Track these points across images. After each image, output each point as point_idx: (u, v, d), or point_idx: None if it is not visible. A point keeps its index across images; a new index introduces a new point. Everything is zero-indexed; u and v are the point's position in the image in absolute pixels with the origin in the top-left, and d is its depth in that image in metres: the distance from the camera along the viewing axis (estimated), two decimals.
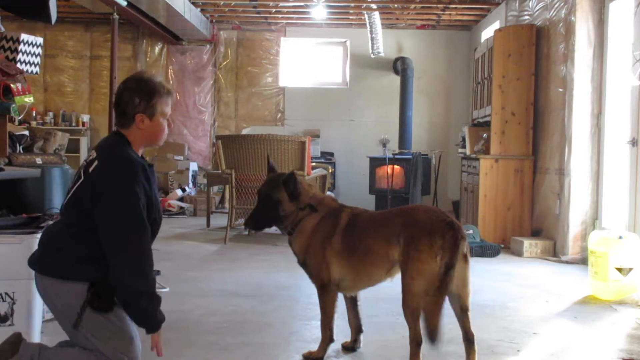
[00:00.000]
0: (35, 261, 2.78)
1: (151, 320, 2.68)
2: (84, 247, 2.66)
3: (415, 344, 3.09)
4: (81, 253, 2.66)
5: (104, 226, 2.63)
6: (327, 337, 3.42)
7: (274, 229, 8.87)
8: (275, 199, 3.37)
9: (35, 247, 3.41)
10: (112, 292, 2.66)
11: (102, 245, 2.63)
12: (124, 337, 2.67)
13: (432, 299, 2.99)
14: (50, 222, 3.94)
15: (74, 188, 2.73)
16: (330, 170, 9.10)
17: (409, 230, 3.12)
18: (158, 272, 5.25)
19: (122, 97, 2.80)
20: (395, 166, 10.34)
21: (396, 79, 11.31)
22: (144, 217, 2.66)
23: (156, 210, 2.75)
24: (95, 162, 2.71)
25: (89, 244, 2.66)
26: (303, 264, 3.44)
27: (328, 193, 8.79)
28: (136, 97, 2.76)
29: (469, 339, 3.16)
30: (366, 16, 10.29)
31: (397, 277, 3.21)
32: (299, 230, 3.40)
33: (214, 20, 11.54)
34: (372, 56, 10.96)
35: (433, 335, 2.98)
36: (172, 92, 2.94)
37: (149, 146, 2.91)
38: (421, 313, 3.03)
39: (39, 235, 3.41)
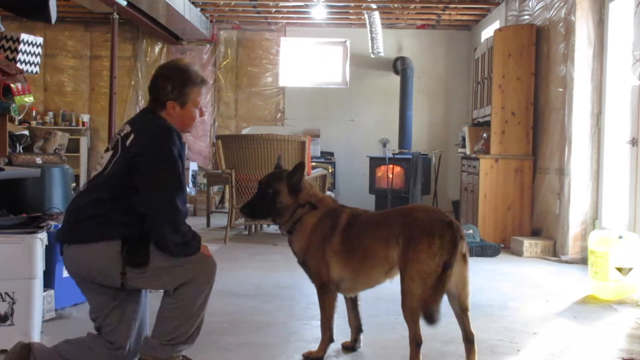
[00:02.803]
0: (63, 235, 2.84)
1: (191, 254, 2.84)
2: (116, 213, 2.75)
3: (415, 344, 3.09)
4: (113, 218, 2.74)
5: (147, 191, 2.73)
6: (327, 337, 3.42)
7: (274, 229, 8.88)
8: (274, 189, 3.38)
9: (35, 247, 3.42)
10: (146, 245, 2.76)
11: (138, 208, 2.73)
12: (169, 271, 2.80)
13: (430, 294, 2.97)
14: (51, 221, 3.94)
15: (112, 162, 2.79)
16: (330, 170, 9.09)
17: (408, 230, 3.11)
18: None
19: (156, 82, 2.88)
20: (395, 166, 10.34)
21: (396, 79, 11.31)
22: (182, 179, 2.78)
23: (183, 173, 2.85)
24: (132, 136, 2.79)
25: (121, 210, 2.75)
26: (303, 263, 3.44)
27: (328, 193, 8.80)
28: (169, 84, 2.84)
29: (469, 339, 3.16)
30: (366, 16, 10.29)
31: (398, 277, 3.21)
32: (299, 229, 3.39)
33: (214, 20, 11.53)
34: (372, 56, 10.96)
35: (431, 314, 2.96)
36: (207, 81, 2.98)
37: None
38: (420, 308, 3.01)
39: (39, 235, 3.43)
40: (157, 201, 2.73)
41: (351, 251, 3.29)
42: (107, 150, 2.89)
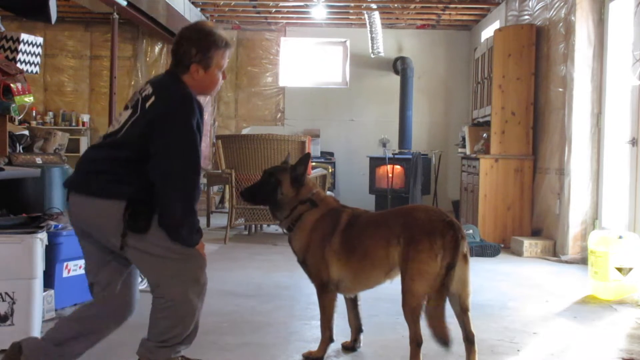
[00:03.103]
0: (72, 182, 2.84)
1: (189, 244, 2.79)
2: (126, 173, 2.73)
3: (415, 344, 3.08)
4: (123, 178, 2.73)
5: (160, 159, 2.69)
6: (327, 337, 3.42)
7: (274, 229, 8.84)
8: (277, 178, 3.39)
9: (35, 247, 3.42)
10: (150, 213, 2.72)
11: (149, 176, 2.70)
12: (162, 252, 2.76)
13: (434, 302, 2.97)
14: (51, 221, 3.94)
15: (129, 122, 2.77)
16: (330, 170, 9.09)
17: (409, 230, 3.11)
18: None
19: (180, 45, 2.85)
20: (395, 166, 10.34)
21: (396, 79, 11.31)
22: (199, 154, 2.74)
23: (200, 144, 2.81)
24: (152, 98, 2.76)
25: (132, 172, 2.72)
26: (302, 262, 3.43)
27: (328, 193, 8.80)
28: (193, 47, 2.81)
29: (469, 339, 3.16)
30: (366, 16, 10.30)
31: (397, 278, 3.21)
32: (299, 226, 3.39)
33: (214, 20, 11.53)
34: (372, 56, 10.96)
35: (445, 340, 2.98)
36: (231, 44, 2.95)
37: (200, 95, 2.91)
38: (425, 319, 2.99)
39: (39, 235, 3.43)
40: (169, 172, 2.69)
41: (351, 251, 3.29)
42: (126, 107, 2.85)
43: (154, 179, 2.70)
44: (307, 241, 3.36)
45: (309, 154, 3.57)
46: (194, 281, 2.82)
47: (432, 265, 3.00)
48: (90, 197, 2.74)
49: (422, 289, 3.02)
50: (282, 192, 3.38)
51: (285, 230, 3.47)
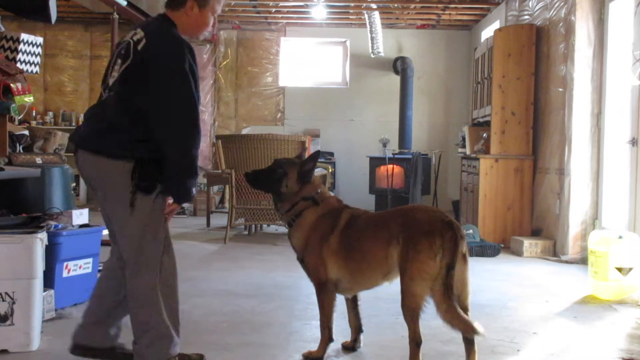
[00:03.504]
0: (81, 138, 2.86)
1: (185, 194, 2.84)
2: (136, 128, 2.74)
3: (414, 344, 3.08)
4: (133, 134, 2.74)
5: (156, 105, 2.71)
6: (326, 336, 3.42)
7: (274, 229, 8.83)
8: (285, 170, 3.39)
9: (35, 247, 3.42)
10: (157, 172, 2.76)
11: (150, 124, 2.71)
12: (148, 214, 2.82)
13: (444, 306, 2.96)
14: (51, 222, 3.94)
15: (123, 67, 2.78)
16: (330, 170, 9.10)
17: (408, 230, 3.11)
18: None
19: None
20: (395, 166, 10.34)
21: (396, 79, 11.31)
22: (195, 97, 2.75)
23: (196, 89, 2.82)
24: (144, 41, 2.77)
25: (140, 125, 2.73)
26: (301, 260, 3.44)
27: (331, 193, 8.79)
28: None
29: (469, 339, 3.16)
30: (366, 16, 10.30)
31: (396, 279, 3.20)
32: (298, 223, 3.39)
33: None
34: (372, 56, 10.97)
35: (473, 331, 2.98)
36: None
37: (189, 36, 2.93)
38: (445, 323, 2.99)
39: (39, 235, 3.43)
40: (164, 118, 2.71)
41: (349, 252, 3.29)
42: (120, 56, 2.83)
43: (151, 127, 2.72)
44: (306, 239, 3.36)
45: (319, 151, 3.58)
46: (161, 264, 2.92)
47: (431, 265, 3.00)
48: (96, 156, 2.77)
49: (421, 289, 3.02)
50: (287, 184, 3.38)
51: (285, 225, 3.48)
